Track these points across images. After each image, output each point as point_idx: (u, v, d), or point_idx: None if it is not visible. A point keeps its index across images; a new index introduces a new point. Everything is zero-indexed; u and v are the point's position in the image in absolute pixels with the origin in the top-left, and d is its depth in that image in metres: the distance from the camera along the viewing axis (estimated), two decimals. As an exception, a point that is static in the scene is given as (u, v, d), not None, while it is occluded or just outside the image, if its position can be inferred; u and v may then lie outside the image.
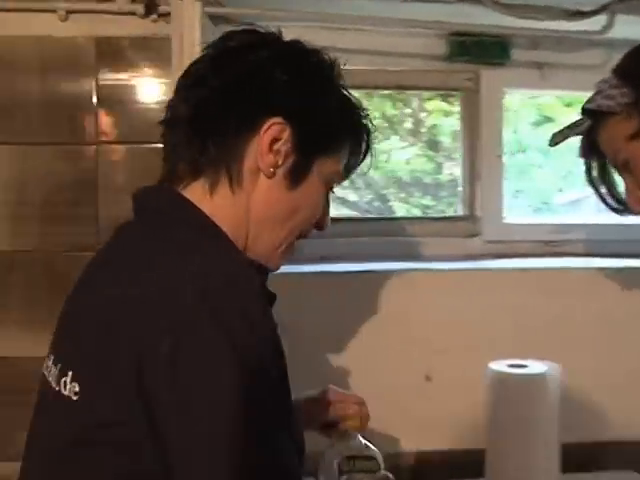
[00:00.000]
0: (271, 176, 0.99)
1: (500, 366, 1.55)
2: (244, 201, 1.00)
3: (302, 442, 1.00)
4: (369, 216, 2.22)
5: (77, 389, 0.87)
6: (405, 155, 2.27)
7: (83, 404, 0.86)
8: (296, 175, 1.01)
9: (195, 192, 1.00)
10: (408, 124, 2.27)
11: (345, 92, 1.09)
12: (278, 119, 0.98)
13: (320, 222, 1.10)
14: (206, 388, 0.79)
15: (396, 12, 1.88)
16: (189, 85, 1.02)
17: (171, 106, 1.03)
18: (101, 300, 0.89)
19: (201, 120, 0.99)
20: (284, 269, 1.91)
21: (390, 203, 2.25)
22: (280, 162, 0.99)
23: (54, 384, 0.91)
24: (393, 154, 2.26)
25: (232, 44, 1.02)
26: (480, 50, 2.02)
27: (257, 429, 0.80)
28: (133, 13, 1.76)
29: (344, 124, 1.07)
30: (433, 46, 2.03)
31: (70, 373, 0.88)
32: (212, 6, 1.98)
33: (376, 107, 2.16)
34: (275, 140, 0.98)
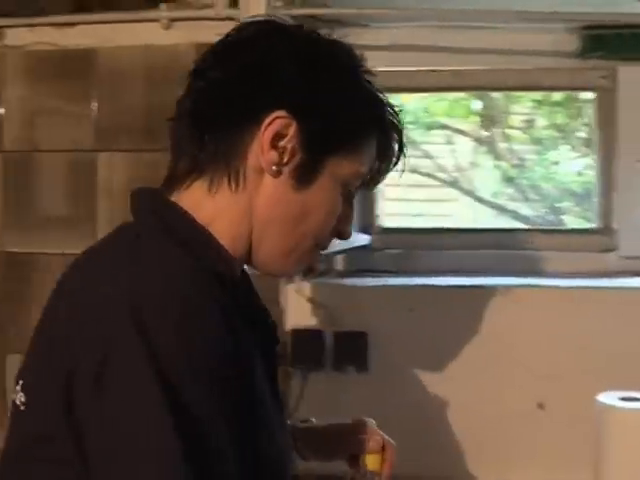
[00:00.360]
0: (276, 175, 0.87)
1: (610, 399, 1.38)
2: (247, 201, 0.88)
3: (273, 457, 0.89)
4: (491, 227, 2.08)
5: (24, 399, 0.83)
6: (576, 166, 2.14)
7: (26, 415, 0.83)
8: (304, 175, 0.88)
9: (195, 192, 0.89)
10: (581, 133, 2.13)
11: (369, 87, 0.95)
12: (282, 112, 0.87)
13: (341, 231, 0.96)
14: (131, 408, 0.74)
15: (520, 5, 1.73)
16: (193, 77, 0.93)
17: (178, 101, 0.94)
18: (51, 308, 0.85)
19: (200, 113, 0.89)
20: (390, 281, 1.82)
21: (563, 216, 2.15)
22: (285, 160, 0.87)
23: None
24: (564, 164, 2.13)
25: (242, 35, 0.93)
26: (618, 44, 1.83)
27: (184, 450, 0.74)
28: (231, 19, 1.70)
29: (364, 122, 0.93)
30: (563, 42, 1.85)
31: (21, 382, 0.84)
32: (317, 7, 1.91)
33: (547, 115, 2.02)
34: (279, 136, 0.87)
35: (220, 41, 0.92)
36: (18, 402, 0.83)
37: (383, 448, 1.13)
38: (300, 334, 1.72)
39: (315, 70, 0.88)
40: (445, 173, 2.47)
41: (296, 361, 1.71)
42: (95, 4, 1.87)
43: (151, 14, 1.77)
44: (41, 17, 1.87)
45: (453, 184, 2.50)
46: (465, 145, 2.45)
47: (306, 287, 1.73)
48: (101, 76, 1.85)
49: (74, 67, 1.87)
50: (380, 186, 2.07)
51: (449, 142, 2.47)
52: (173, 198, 0.89)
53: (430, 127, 2.47)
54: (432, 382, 1.71)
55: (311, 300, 1.72)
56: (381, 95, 0.93)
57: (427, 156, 2.46)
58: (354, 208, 0.97)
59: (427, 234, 2.02)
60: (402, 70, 1.96)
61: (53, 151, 1.88)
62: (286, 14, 1.86)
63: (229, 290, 0.85)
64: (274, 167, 0.86)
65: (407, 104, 2.39)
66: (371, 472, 1.14)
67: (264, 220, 0.89)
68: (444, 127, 2.49)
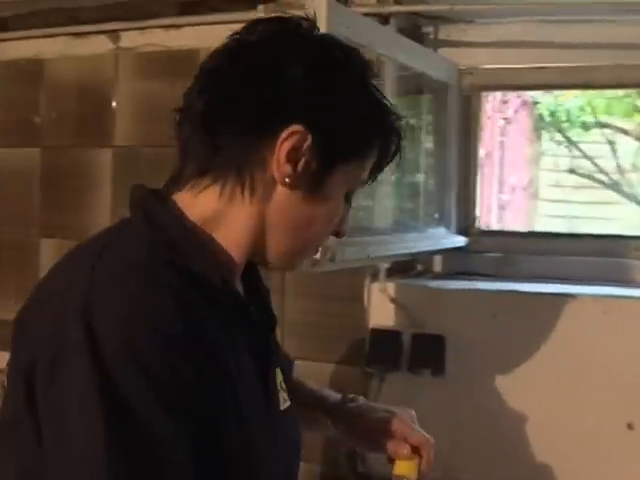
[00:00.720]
0: (289, 187, 0.88)
1: None
2: (257, 210, 0.89)
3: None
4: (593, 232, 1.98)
5: (5, 382, 0.87)
6: None
7: (4, 399, 0.87)
8: (315, 186, 0.89)
9: (204, 197, 0.89)
10: None
11: (377, 94, 0.94)
12: (299, 127, 0.87)
13: (338, 229, 0.98)
14: (75, 409, 0.77)
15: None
16: (205, 77, 0.94)
17: (185, 99, 0.95)
18: (32, 296, 0.89)
19: (213, 117, 0.88)
20: (474, 285, 1.77)
21: None
22: (299, 171, 0.87)
23: None
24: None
25: (253, 37, 0.93)
26: None
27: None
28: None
29: (373, 130, 0.93)
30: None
31: (7, 368, 0.89)
32: (418, 4, 1.89)
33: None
34: (295, 149, 0.87)
35: (233, 40, 0.93)
36: (5, 376, 0.88)
37: (418, 450, 1.10)
38: (379, 334, 1.72)
39: (327, 77, 0.89)
40: (605, 175, 2.37)
41: (373, 361, 1.70)
42: (199, 7, 1.97)
43: (250, 14, 1.82)
44: (151, 19, 1.99)
45: (614, 187, 2.39)
46: (628, 145, 2.33)
47: (390, 287, 1.72)
48: (203, 74, 1.94)
49: (179, 66, 1.96)
50: (478, 190, 2.02)
51: (610, 142, 2.37)
52: (174, 197, 0.92)
53: (589, 127, 2.37)
54: (510, 393, 1.64)
55: (394, 300, 1.71)
56: (387, 103, 0.93)
57: (586, 157, 2.37)
58: (349, 211, 0.98)
59: (527, 238, 1.96)
60: (508, 67, 1.91)
61: (161, 146, 1.98)
62: (387, 11, 1.86)
63: (207, 289, 0.87)
64: (287, 179, 0.87)
65: (563, 102, 2.32)
66: (399, 476, 1.11)
67: (272, 226, 0.90)
68: (605, 126, 2.38)
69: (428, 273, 1.92)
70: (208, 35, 1.92)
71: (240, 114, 0.87)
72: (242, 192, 0.88)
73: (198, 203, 0.89)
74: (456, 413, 1.70)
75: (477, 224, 1.96)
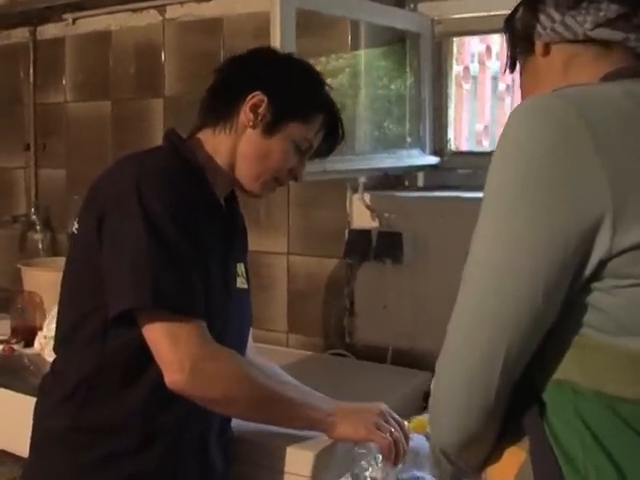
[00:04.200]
0: (252, 128, 1.46)
1: None
2: (234, 141, 1.47)
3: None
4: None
5: (77, 227, 1.42)
6: None
7: (77, 238, 1.42)
8: (270, 130, 1.46)
9: (206, 133, 1.50)
10: None
11: (319, 76, 1.52)
12: (259, 93, 1.45)
13: (294, 174, 1.53)
14: (128, 228, 1.30)
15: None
16: (216, 72, 1.52)
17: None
18: (94, 182, 1.43)
19: (216, 91, 1.51)
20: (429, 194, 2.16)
21: None
22: (259, 119, 1.45)
23: None
24: None
25: (245, 54, 1.53)
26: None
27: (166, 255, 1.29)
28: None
29: (313, 99, 1.50)
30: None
31: (76, 219, 1.43)
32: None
33: None
34: (255, 105, 1.45)
35: (233, 55, 1.54)
36: (74, 230, 1.42)
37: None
38: (355, 233, 2.19)
39: (283, 67, 1.51)
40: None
41: (349, 253, 2.18)
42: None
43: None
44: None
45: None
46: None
47: (367, 197, 2.17)
48: (226, 38, 2.43)
49: (209, 31, 2.45)
50: (450, 118, 2.45)
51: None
52: (198, 135, 1.50)
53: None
54: (456, 278, 2.04)
55: (368, 207, 2.16)
56: (327, 86, 1.53)
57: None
58: (305, 163, 1.54)
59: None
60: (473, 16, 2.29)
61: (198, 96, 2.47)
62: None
63: (203, 187, 1.44)
64: (251, 123, 1.45)
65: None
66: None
67: (242, 154, 1.48)
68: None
69: (412, 187, 2.37)
70: (230, 6, 2.41)
71: (230, 88, 1.48)
72: (226, 130, 1.46)
73: (207, 139, 1.49)
74: (414, 293, 2.14)
75: (449, 147, 2.39)
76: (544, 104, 0.89)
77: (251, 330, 1.64)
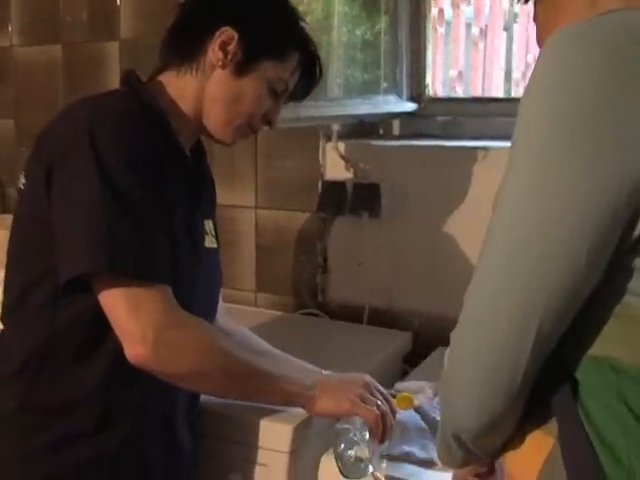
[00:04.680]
0: (222, 68, 1.29)
1: None
2: (201, 83, 1.31)
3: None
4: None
5: (24, 181, 1.26)
6: None
7: (24, 194, 1.26)
8: (240, 69, 1.30)
9: (168, 76, 1.34)
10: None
11: (294, 11, 1.35)
12: (228, 28, 1.28)
13: (270, 120, 1.38)
14: (80, 177, 1.15)
15: None
16: (181, 4, 1.36)
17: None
18: (43, 129, 1.26)
19: (179, 28, 1.34)
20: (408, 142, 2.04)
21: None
22: (229, 58, 1.29)
23: None
24: None
25: None
26: None
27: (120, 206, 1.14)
28: None
29: (288, 35, 1.33)
30: None
31: (23, 172, 1.27)
32: None
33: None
34: (225, 43, 1.29)
35: None
36: (21, 186, 1.26)
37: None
38: (328, 185, 2.04)
39: (254, 0, 1.34)
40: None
41: (323, 207, 2.04)
42: None
43: None
44: None
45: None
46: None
47: (341, 146, 2.03)
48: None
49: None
50: (428, 62, 2.30)
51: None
52: (159, 78, 1.34)
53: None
54: (438, 232, 1.94)
55: (343, 157, 2.02)
56: (302, 22, 1.35)
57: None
58: (280, 107, 1.39)
59: (470, 103, 2.23)
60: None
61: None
62: None
63: (166, 135, 1.28)
64: (221, 62, 1.28)
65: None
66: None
67: (210, 98, 1.32)
68: None
69: (388, 136, 2.23)
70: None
71: (196, 24, 1.31)
72: (192, 72, 1.30)
73: (170, 81, 1.32)
74: (393, 249, 2.02)
75: (427, 92, 2.25)
76: (584, 29, 0.74)
77: (221, 292, 1.50)
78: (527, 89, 0.77)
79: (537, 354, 0.76)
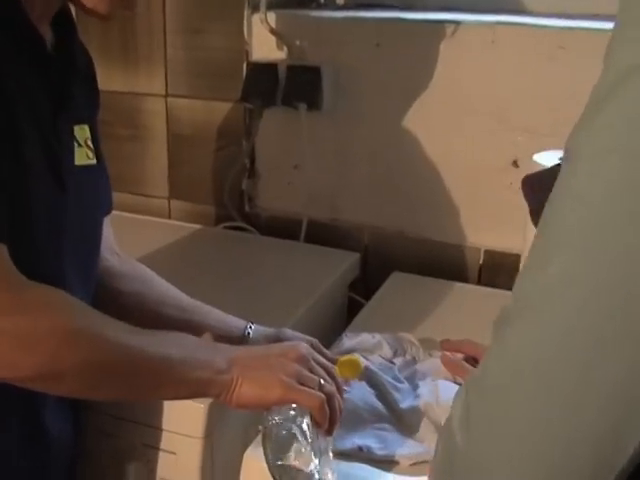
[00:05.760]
0: None
1: (549, 159, 1.21)
2: None
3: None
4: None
5: None
6: None
7: None
8: None
9: None
10: None
11: None
12: None
13: None
14: None
15: None
16: None
17: None
18: None
19: None
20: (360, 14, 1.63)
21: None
22: None
23: None
24: None
25: None
26: None
27: None
28: None
29: None
30: None
31: None
32: None
33: None
34: None
35: None
36: None
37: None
38: (255, 68, 1.62)
39: None
40: None
41: (249, 96, 1.62)
42: None
43: None
44: None
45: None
46: None
47: (271, 17, 1.60)
48: None
49: None
50: None
51: None
52: None
53: None
54: (393, 127, 1.56)
55: (274, 32, 1.60)
56: None
57: None
58: None
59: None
60: None
61: None
62: None
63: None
64: None
65: None
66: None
67: None
68: None
69: (331, 5, 1.80)
70: None
71: None
72: None
73: None
74: (336, 149, 1.64)
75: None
76: None
77: (107, 221, 1.09)
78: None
79: None
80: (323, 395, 0.90)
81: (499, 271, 1.57)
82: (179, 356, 0.85)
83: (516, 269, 1.51)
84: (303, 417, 0.88)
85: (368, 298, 1.52)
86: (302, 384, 0.90)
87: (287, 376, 0.89)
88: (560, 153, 1.25)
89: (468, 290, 1.53)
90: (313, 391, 0.89)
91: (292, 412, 0.88)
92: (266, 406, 0.89)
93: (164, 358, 0.84)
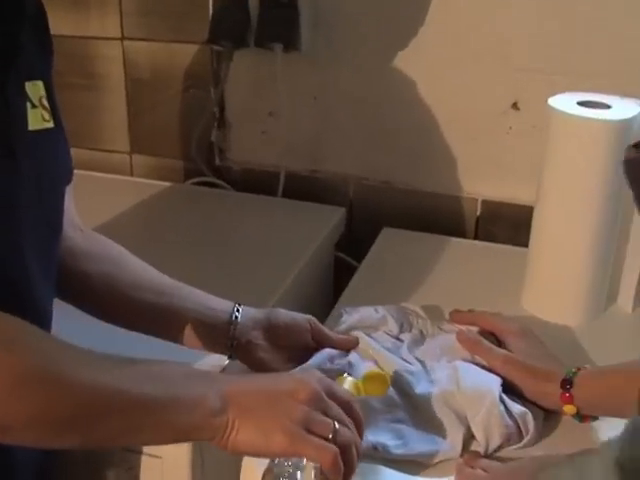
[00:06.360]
0: None
1: (567, 104, 1.08)
2: None
3: None
4: None
5: None
6: None
7: None
8: None
9: None
10: None
11: None
12: None
13: None
14: None
15: None
16: None
17: None
18: None
19: None
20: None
21: None
22: None
23: None
24: None
25: None
26: None
27: None
28: None
29: None
30: None
31: None
32: None
33: None
34: None
35: None
36: None
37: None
38: (224, 4, 1.45)
39: None
40: None
41: (218, 37, 1.45)
42: None
43: None
44: None
45: None
46: None
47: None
48: None
49: None
50: None
51: None
52: None
53: None
54: (381, 70, 1.42)
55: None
56: None
57: None
58: None
59: None
60: None
61: None
62: None
63: None
64: None
65: None
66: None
67: None
68: None
69: None
70: None
71: None
72: None
73: None
74: (316, 94, 1.49)
75: None
76: None
77: (69, 191, 0.94)
78: None
79: None
80: (336, 448, 0.74)
81: (498, 223, 1.45)
82: (162, 394, 0.69)
83: (517, 221, 1.39)
84: (312, 465, 0.74)
85: (356, 257, 1.40)
86: (312, 432, 0.74)
87: (293, 422, 0.72)
88: (573, 95, 1.13)
89: (466, 246, 1.40)
90: (324, 443, 0.73)
91: (298, 462, 0.74)
92: (267, 457, 0.74)
93: (143, 397, 0.68)
